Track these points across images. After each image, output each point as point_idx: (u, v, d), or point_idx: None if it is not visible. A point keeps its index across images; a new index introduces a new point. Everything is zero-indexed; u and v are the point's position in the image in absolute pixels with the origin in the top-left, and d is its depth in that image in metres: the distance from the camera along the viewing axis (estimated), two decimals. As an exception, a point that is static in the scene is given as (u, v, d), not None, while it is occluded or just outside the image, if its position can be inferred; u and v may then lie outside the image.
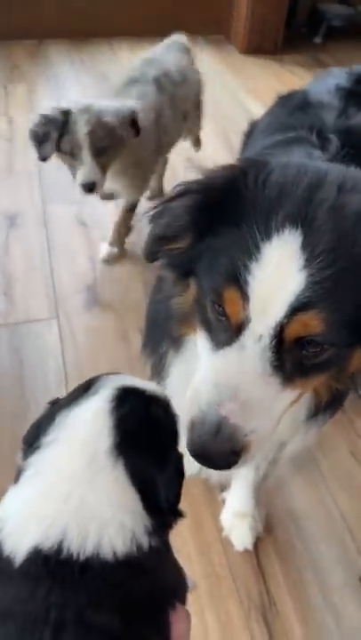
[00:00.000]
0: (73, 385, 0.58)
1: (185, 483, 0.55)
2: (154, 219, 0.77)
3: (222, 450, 0.63)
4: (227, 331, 0.67)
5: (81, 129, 1.65)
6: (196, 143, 2.50)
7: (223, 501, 1.43)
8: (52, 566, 0.44)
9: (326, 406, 0.83)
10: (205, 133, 2.87)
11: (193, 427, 0.65)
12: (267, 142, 1.08)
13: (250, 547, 1.36)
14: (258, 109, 1.56)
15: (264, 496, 1.41)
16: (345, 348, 0.66)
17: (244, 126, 1.62)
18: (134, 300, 1.94)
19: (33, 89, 3.15)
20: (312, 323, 0.61)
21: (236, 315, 0.65)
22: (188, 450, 0.66)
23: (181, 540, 1.34)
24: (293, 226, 0.63)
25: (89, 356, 1.78)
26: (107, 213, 2.22)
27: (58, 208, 2.30)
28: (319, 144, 0.95)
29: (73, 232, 2.21)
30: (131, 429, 0.51)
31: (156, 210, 0.78)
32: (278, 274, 0.62)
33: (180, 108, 2.08)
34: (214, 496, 1.45)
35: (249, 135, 1.52)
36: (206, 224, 0.71)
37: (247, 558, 1.36)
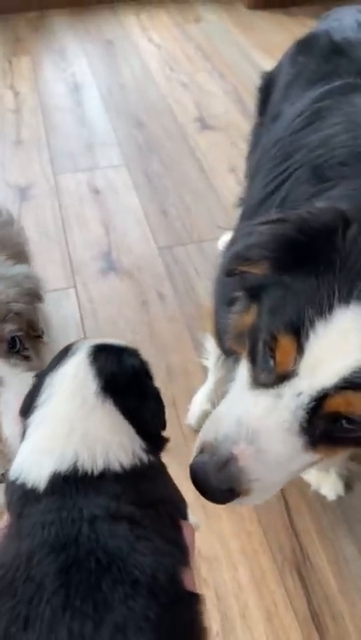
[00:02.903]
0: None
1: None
2: (242, 236, 0.75)
3: (221, 486, 0.62)
4: (270, 373, 0.63)
5: None
6: None
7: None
8: (72, 482, 0.53)
9: None
10: (216, 93, 2.79)
11: (202, 451, 0.65)
12: (311, 94, 0.99)
13: (343, 493, 1.33)
14: (270, 65, 1.47)
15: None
16: None
17: (256, 84, 1.51)
18: (150, 264, 1.91)
19: (38, 61, 3.09)
20: (358, 403, 0.57)
21: (285, 364, 0.61)
22: (190, 467, 0.66)
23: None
24: None
25: (108, 323, 1.75)
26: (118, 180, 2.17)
27: (69, 177, 2.26)
28: None
29: (85, 200, 2.17)
30: (110, 374, 0.60)
31: (247, 228, 0.75)
32: (342, 342, 0.57)
33: None
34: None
35: (265, 89, 1.39)
36: (288, 260, 0.66)
37: (278, 514, 1.34)
